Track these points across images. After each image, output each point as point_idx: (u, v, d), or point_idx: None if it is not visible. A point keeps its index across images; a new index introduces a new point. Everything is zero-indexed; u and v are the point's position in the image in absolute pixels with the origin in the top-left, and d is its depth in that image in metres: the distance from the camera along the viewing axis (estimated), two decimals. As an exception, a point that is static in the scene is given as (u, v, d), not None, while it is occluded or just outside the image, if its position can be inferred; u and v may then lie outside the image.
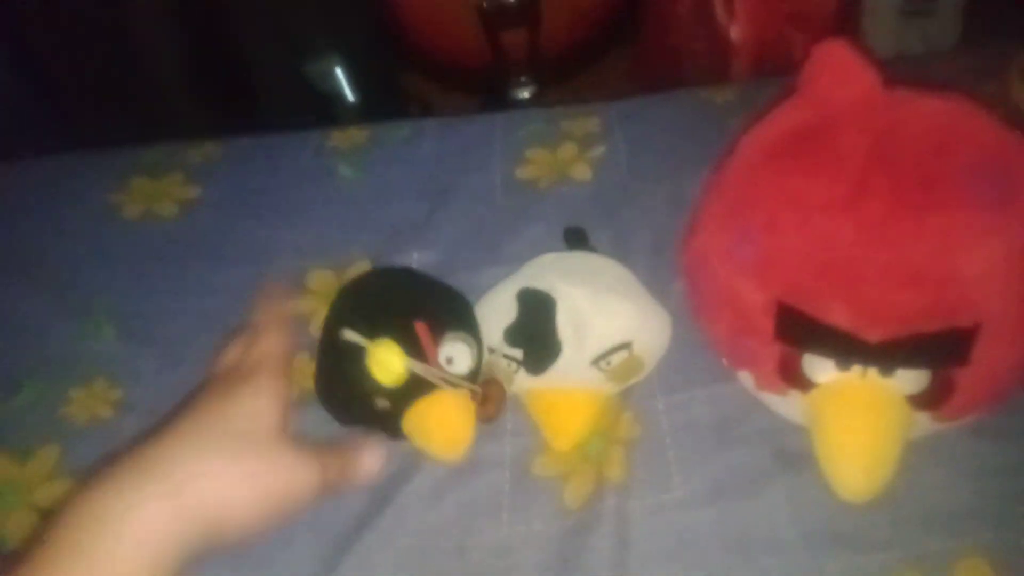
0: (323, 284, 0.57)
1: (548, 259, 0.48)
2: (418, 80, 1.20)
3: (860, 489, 0.38)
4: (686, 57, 1.14)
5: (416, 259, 0.58)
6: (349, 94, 0.99)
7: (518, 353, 0.44)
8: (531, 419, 0.46)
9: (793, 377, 0.39)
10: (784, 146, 0.40)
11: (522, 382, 0.45)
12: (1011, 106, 0.63)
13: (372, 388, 0.42)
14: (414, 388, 0.42)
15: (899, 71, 0.41)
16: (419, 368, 0.42)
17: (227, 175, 0.68)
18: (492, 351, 0.45)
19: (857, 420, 0.38)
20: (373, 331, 0.42)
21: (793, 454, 0.43)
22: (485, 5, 1.09)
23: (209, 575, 0.41)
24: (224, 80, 0.99)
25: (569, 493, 0.43)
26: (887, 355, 0.36)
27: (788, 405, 0.42)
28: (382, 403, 0.42)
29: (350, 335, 0.41)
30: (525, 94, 1.21)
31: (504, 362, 0.45)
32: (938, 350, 0.35)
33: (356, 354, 0.42)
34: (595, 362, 0.43)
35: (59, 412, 0.51)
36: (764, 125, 0.42)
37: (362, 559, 0.42)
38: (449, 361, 0.43)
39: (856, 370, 0.37)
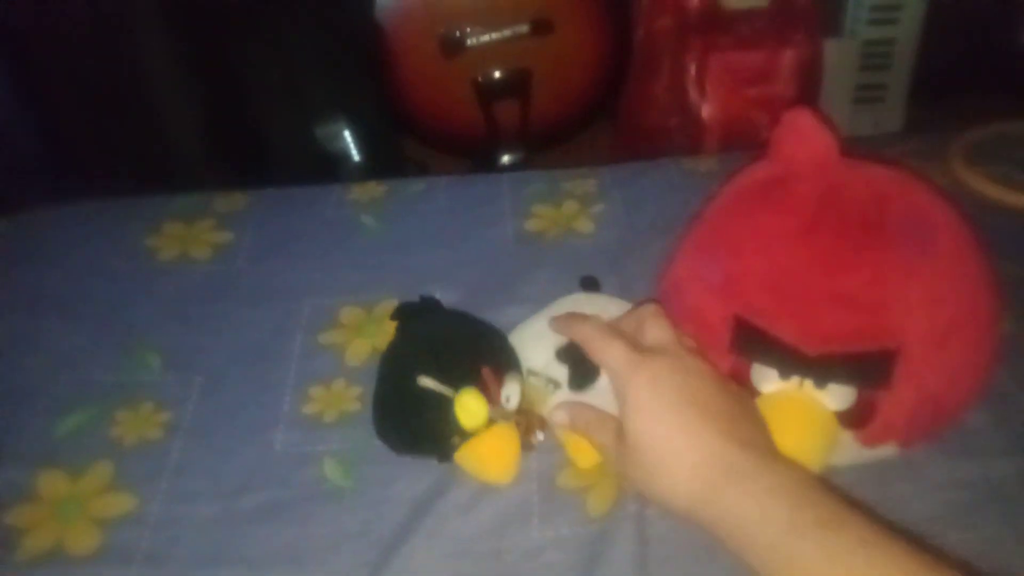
0: (353, 319, 0.63)
1: (576, 298, 0.55)
2: (414, 143, 1.28)
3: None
4: (661, 132, 1.25)
5: (439, 298, 0.64)
6: (355, 154, 1.06)
7: (563, 373, 0.49)
8: (555, 438, 0.51)
9: (743, 386, 0.45)
10: (754, 191, 0.47)
11: (554, 403, 0.50)
12: (952, 182, 0.73)
13: (453, 431, 0.47)
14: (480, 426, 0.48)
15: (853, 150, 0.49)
16: (492, 411, 0.47)
17: (257, 222, 0.73)
18: (532, 373, 0.51)
19: (790, 427, 0.43)
20: (450, 379, 0.47)
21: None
22: (480, 79, 1.18)
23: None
24: (235, 140, 1.05)
25: (592, 502, 0.48)
26: (822, 368, 0.42)
27: None
28: (456, 442, 0.47)
29: (429, 383, 0.46)
30: (512, 160, 1.30)
31: (543, 383, 0.50)
32: (863, 369, 0.42)
33: (436, 400, 0.47)
34: None
35: (109, 434, 0.54)
36: (739, 176, 0.50)
37: (405, 562, 0.46)
38: (507, 400, 0.49)
39: (795, 381, 0.43)
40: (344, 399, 0.56)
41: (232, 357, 0.60)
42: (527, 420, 0.50)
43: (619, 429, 0.42)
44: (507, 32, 1.15)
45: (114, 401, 0.56)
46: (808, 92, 1.19)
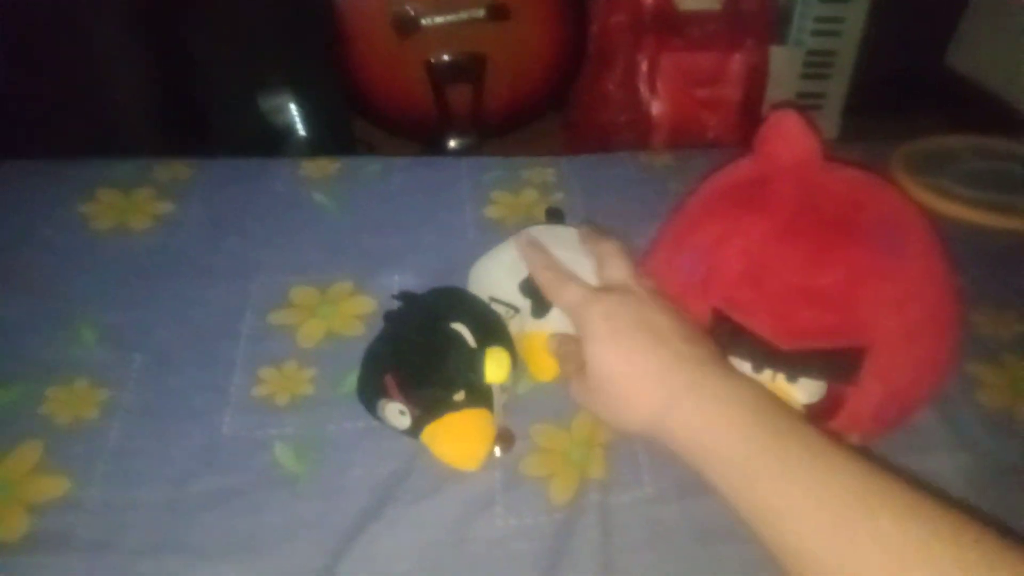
0: (306, 299, 0.60)
1: (536, 230, 0.57)
2: (362, 123, 1.25)
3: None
4: (611, 127, 1.26)
5: (397, 281, 0.62)
6: (301, 129, 1.02)
7: (525, 303, 0.53)
8: (518, 426, 0.51)
9: None
10: (736, 188, 0.49)
11: (514, 326, 0.54)
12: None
13: (465, 382, 0.47)
14: (477, 398, 0.48)
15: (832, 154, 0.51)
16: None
17: (201, 194, 0.70)
18: (495, 300, 0.54)
19: None
20: (479, 336, 0.49)
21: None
22: (433, 61, 1.16)
23: (216, 570, 0.43)
24: (177, 107, 0.99)
25: (554, 490, 0.48)
26: (794, 363, 0.43)
27: None
28: (459, 400, 0.47)
29: (462, 329, 0.47)
30: (461, 145, 1.29)
31: (503, 309, 0.54)
32: (834, 364, 0.43)
33: (463, 346, 0.48)
34: None
35: (38, 411, 0.50)
36: (721, 174, 0.51)
37: (365, 551, 0.44)
38: (504, 390, 0.49)
39: (767, 375, 0.44)
40: (296, 382, 0.54)
41: (175, 335, 0.56)
42: (497, 432, 0.49)
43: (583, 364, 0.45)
44: (463, 14, 1.13)
45: (44, 377, 0.52)
46: (753, 96, 1.23)
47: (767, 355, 0.44)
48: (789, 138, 0.47)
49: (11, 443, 0.48)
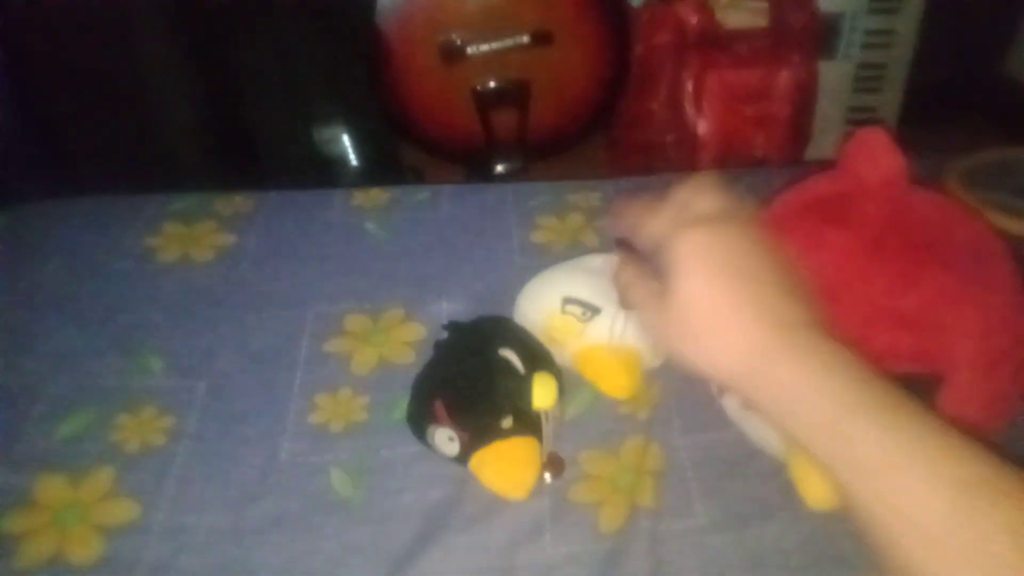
0: (359, 327, 0.62)
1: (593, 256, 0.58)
2: (409, 148, 1.28)
3: (827, 499, 0.44)
4: (657, 147, 1.26)
5: (446, 308, 0.63)
6: (353, 158, 1.06)
7: (608, 307, 0.52)
8: (567, 452, 0.51)
9: None
10: (817, 204, 0.48)
11: (586, 337, 0.52)
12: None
13: (512, 408, 0.48)
14: (524, 425, 0.48)
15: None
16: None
17: (260, 225, 0.72)
18: (569, 302, 0.52)
19: None
20: (527, 362, 0.49)
21: (796, 488, 0.49)
22: (479, 88, 1.18)
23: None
24: (232, 142, 1.03)
25: (603, 518, 0.48)
26: None
27: (767, 426, 0.47)
28: (506, 425, 0.47)
29: (511, 355, 0.48)
30: (507, 169, 1.30)
31: (579, 312, 0.52)
32: (913, 389, 0.41)
33: (512, 373, 0.48)
34: None
35: (110, 438, 0.53)
36: (799, 189, 0.50)
37: (418, 577, 0.46)
38: (552, 416, 0.50)
39: None
40: (351, 409, 0.55)
41: (236, 362, 0.59)
42: (551, 458, 0.50)
43: (662, 291, 0.39)
44: (508, 42, 1.15)
45: (115, 404, 0.55)
46: (803, 112, 1.21)
47: None
48: (876, 156, 0.45)
49: (86, 468, 0.51)
